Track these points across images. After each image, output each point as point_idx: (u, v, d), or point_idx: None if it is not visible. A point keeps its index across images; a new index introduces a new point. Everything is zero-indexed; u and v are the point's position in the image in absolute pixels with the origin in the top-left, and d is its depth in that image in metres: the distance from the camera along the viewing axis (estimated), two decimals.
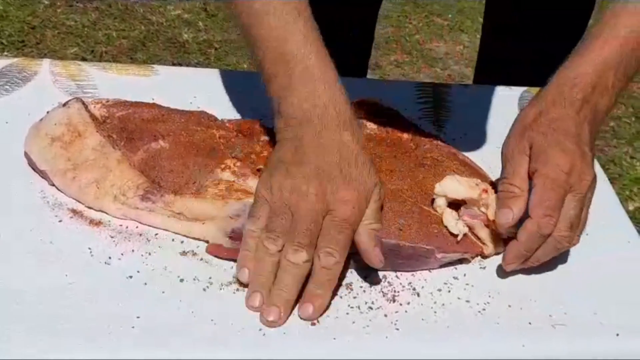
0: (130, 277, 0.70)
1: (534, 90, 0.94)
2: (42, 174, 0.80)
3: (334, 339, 0.67)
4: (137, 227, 0.76)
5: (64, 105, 0.83)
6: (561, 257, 0.78)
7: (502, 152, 0.78)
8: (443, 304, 0.71)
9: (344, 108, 0.75)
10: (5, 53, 2.41)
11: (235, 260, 0.73)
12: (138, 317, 0.66)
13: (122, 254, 0.73)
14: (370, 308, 0.70)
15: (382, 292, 0.72)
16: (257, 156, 0.81)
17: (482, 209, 0.76)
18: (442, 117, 0.99)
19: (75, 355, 0.63)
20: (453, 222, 0.76)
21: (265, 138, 0.84)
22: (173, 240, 0.75)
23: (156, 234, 0.75)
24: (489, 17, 1.30)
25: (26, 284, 0.68)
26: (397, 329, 0.68)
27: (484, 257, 0.77)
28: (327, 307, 0.69)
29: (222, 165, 0.78)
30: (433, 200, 0.78)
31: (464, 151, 0.88)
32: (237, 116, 0.92)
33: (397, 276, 0.74)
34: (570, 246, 0.75)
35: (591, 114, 0.77)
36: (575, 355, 0.68)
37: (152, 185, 0.77)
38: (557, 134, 0.75)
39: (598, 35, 0.80)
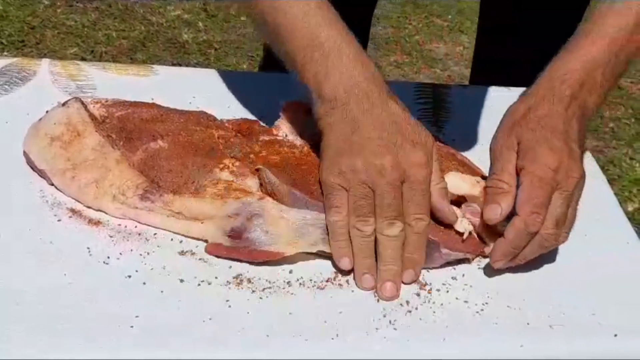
0: (129, 276, 0.71)
1: None
2: (42, 174, 0.80)
3: (333, 339, 0.67)
4: (135, 226, 0.76)
5: (63, 104, 0.83)
6: (560, 258, 0.78)
7: (490, 148, 0.79)
8: (442, 304, 0.72)
9: (381, 82, 0.76)
10: (5, 53, 2.41)
11: (234, 259, 0.73)
12: (137, 317, 0.66)
13: (120, 254, 0.73)
14: (370, 308, 0.70)
15: None
16: (256, 156, 0.81)
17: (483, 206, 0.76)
18: (441, 118, 0.99)
19: (75, 355, 0.63)
20: (459, 221, 0.76)
21: (264, 138, 0.84)
22: (172, 239, 0.75)
23: (155, 234, 0.75)
24: (483, 18, 1.30)
25: (26, 284, 0.68)
26: (396, 329, 0.68)
27: (485, 256, 0.77)
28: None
29: (221, 165, 0.78)
30: None
31: (463, 152, 0.88)
32: (237, 116, 0.92)
33: None
34: (558, 244, 0.75)
35: (579, 111, 0.78)
36: (574, 355, 0.68)
37: (151, 184, 0.77)
38: (545, 131, 0.75)
39: (587, 34, 0.81)
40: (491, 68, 1.29)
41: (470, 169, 0.84)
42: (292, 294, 0.71)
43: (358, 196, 0.72)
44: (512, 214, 0.73)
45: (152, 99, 0.89)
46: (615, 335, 0.70)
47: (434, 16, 2.91)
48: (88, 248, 0.73)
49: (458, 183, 0.77)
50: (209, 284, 0.71)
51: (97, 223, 0.76)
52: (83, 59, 2.35)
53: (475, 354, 0.68)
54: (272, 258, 0.73)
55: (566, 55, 0.80)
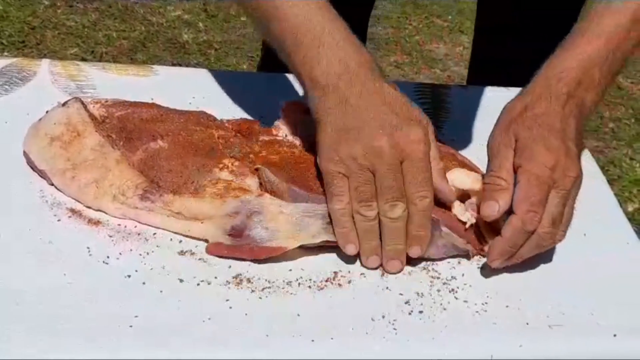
0: (129, 276, 0.71)
1: None
2: (41, 174, 0.80)
3: (332, 339, 0.67)
4: (135, 226, 0.76)
5: (63, 105, 0.83)
6: (559, 258, 0.78)
7: (488, 145, 0.79)
8: (441, 304, 0.72)
9: (373, 65, 0.76)
10: (6, 53, 2.41)
11: (235, 259, 0.73)
12: (136, 317, 0.66)
13: (120, 254, 0.73)
14: (369, 308, 0.70)
15: (381, 292, 0.72)
16: (255, 156, 0.81)
17: None
18: (441, 118, 0.99)
19: (75, 355, 0.63)
20: (462, 210, 0.76)
21: (264, 138, 0.84)
22: (171, 239, 0.75)
23: (154, 234, 0.75)
24: (480, 18, 1.30)
25: (26, 284, 0.68)
26: (395, 329, 0.68)
27: (484, 256, 0.77)
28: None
29: (221, 165, 0.78)
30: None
31: (462, 151, 0.88)
32: (236, 116, 0.92)
33: (395, 276, 0.74)
34: (555, 243, 0.75)
35: (577, 109, 0.78)
36: (573, 355, 0.68)
37: (151, 184, 0.77)
38: (542, 130, 0.75)
39: (583, 32, 0.81)
40: (488, 68, 1.29)
41: (470, 169, 0.84)
42: (291, 293, 0.71)
43: (359, 182, 0.72)
44: (510, 212, 0.73)
45: (152, 99, 0.89)
46: (615, 335, 0.70)
47: (434, 16, 2.92)
48: (88, 248, 0.73)
49: (463, 178, 0.77)
50: (209, 283, 0.71)
51: (97, 223, 0.76)
52: (83, 60, 2.36)
53: (475, 354, 0.68)
54: (274, 254, 0.73)
55: (562, 54, 0.80)
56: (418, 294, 0.73)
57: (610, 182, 0.93)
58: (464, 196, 0.78)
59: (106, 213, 0.76)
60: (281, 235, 0.73)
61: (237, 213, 0.74)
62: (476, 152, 0.87)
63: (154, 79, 0.99)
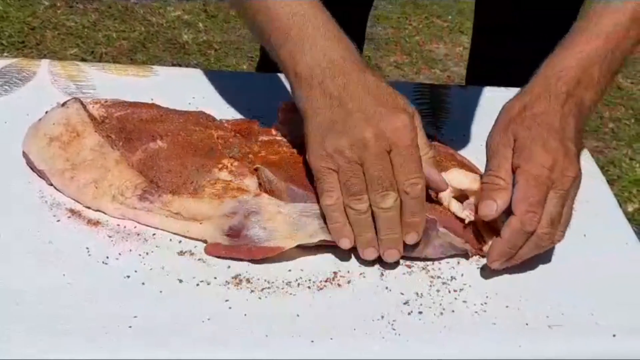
0: (128, 277, 0.71)
1: None
2: (41, 174, 0.80)
3: (332, 339, 0.67)
4: (135, 227, 0.76)
5: (63, 105, 0.83)
6: (559, 258, 0.78)
7: (486, 145, 0.78)
8: (441, 304, 0.72)
9: (357, 57, 0.76)
10: (5, 54, 2.41)
11: (234, 259, 0.73)
12: (135, 317, 0.66)
13: (120, 254, 0.73)
14: (369, 308, 0.70)
15: (380, 292, 0.72)
16: (254, 156, 0.81)
17: None
18: (440, 118, 0.99)
19: (75, 355, 0.63)
20: (460, 209, 0.76)
21: (263, 138, 0.84)
22: (171, 240, 0.75)
23: (154, 234, 0.75)
24: (478, 18, 1.30)
25: (26, 284, 0.68)
26: (395, 329, 0.68)
27: (483, 256, 0.77)
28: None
29: (220, 165, 0.78)
30: (437, 193, 0.78)
31: (461, 152, 0.88)
32: (236, 116, 0.92)
33: (395, 276, 0.74)
34: (554, 244, 0.75)
35: (576, 108, 0.78)
36: (572, 355, 0.68)
37: (150, 185, 0.77)
38: (540, 129, 0.75)
39: (582, 31, 0.81)
40: (487, 68, 1.29)
41: (469, 169, 0.84)
42: (291, 294, 0.71)
43: (347, 175, 0.71)
44: (510, 213, 0.73)
45: (152, 100, 0.89)
46: (614, 336, 0.70)
47: (434, 17, 2.92)
48: (87, 248, 0.73)
49: (461, 178, 0.77)
50: (208, 284, 0.71)
51: (96, 223, 0.76)
52: (83, 60, 2.36)
53: (474, 354, 0.68)
54: (271, 254, 0.73)
55: (562, 53, 0.80)
56: (417, 294, 0.73)
57: (610, 182, 0.93)
58: (462, 196, 0.78)
59: (105, 213, 0.76)
60: (279, 235, 0.73)
61: (234, 213, 0.74)
62: (475, 152, 0.87)
63: (153, 80, 0.99)
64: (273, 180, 0.76)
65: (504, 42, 1.25)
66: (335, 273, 0.74)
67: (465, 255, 0.77)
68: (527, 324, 0.70)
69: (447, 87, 1.10)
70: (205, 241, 0.75)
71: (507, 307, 0.72)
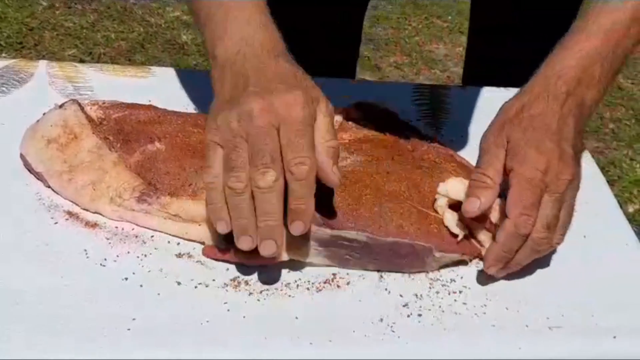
0: (126, 279, 0.70)
1: None
2: (38, 176, 0.80)
3: (331, 341, 0.66)
4: (132, 229, 0.75)
5: (60, 106, 0.83)
6: (559, 259, 0.77)
7: (480, 144, 0.78)
8: (440, 306, 0.71)
9: (277, 44, 0.74)
10: (4, 55, 2.41)
11: (230, 262, 0.73)
12: (134, 319, 0.66)
13: (118, 256, 0.73)
14: (368, 310, 0.70)
15: (380, 294, 0.72)
16: None
17: None
18: (440, 119, 0.99)
19: (75, 355, 0.63)
20: (453, 222, 0.75)
21: None
22: (169, 242, 0.75)
23: (152, 236, 0.75)
24: (474, 18, 1.30)
25: (26, 285, 0.68)
26: (394, 331, 0.68)
27: (482, 259, 0.77)
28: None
29: None
30: (434, 200, 0.77)
31: (461, 152, 0.88)
32: None
33: (394, 278, 0.74)
34: (552, 247, 0.75)
35: (576, 108, 0.77)
36: (572, 356, 0.68)
37: (148, 187, 0.76)
38: (536, 132, 0.74)
39: (582, 30, 0.80)
40: (486, 68, 1.29)
41: (468, 171, 0.84)
42: (289, 295, 0.71)
43: (230, 149, 0.67)
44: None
45: (150, 101, 0.89)
46: (615, 337, 0.70)
47: (434, 17, 2.92)
48: (85, 250, 0.73)
49: (459, 188, 0.76)
50: (207, 286, 0.71)
51: (94, 225, 0.76)
52: (82, 61, 2.36)
53: (474, 356, 0.67)
54: (267, 262, 0.72)
55: (561, 52, 0.80)
56: (417, 296, 0.72)
57: (611, 183, 0.93)
58: (458, 206, 0.77)
59: (103, 215, 0.76)
60: None
61: None
62: (475, 153, 0.86)
63: (151, 81, 0.99)
64: None
65: (503, 42, 1.24)
66: (334, 274, 0.74)
67: (463, 262, 0.76)
68: (527, 326, 0.70)
69: (447, 87, 1.10)
70: (203, 243, 0.74)
71: (506, 308, 0.72)
